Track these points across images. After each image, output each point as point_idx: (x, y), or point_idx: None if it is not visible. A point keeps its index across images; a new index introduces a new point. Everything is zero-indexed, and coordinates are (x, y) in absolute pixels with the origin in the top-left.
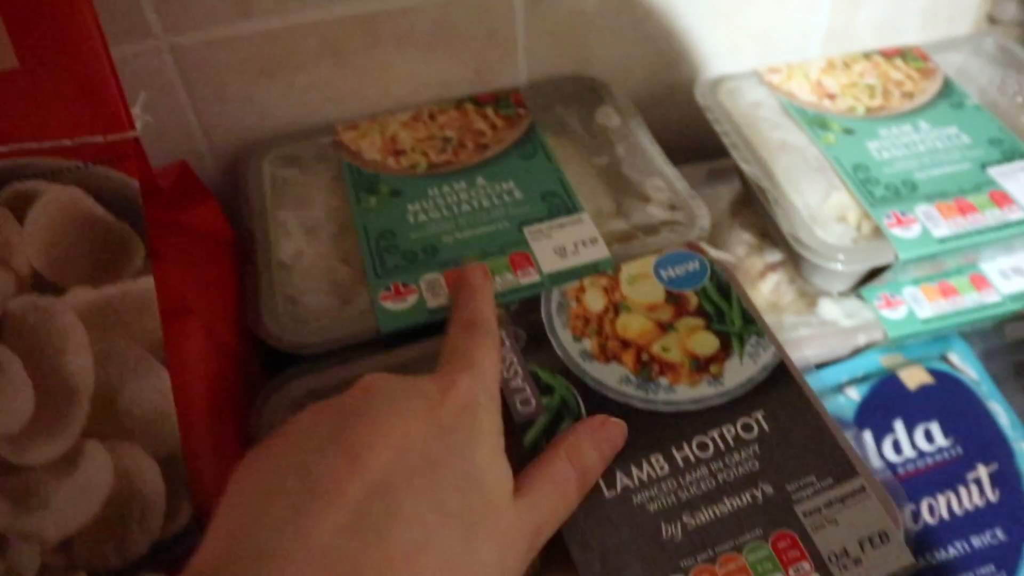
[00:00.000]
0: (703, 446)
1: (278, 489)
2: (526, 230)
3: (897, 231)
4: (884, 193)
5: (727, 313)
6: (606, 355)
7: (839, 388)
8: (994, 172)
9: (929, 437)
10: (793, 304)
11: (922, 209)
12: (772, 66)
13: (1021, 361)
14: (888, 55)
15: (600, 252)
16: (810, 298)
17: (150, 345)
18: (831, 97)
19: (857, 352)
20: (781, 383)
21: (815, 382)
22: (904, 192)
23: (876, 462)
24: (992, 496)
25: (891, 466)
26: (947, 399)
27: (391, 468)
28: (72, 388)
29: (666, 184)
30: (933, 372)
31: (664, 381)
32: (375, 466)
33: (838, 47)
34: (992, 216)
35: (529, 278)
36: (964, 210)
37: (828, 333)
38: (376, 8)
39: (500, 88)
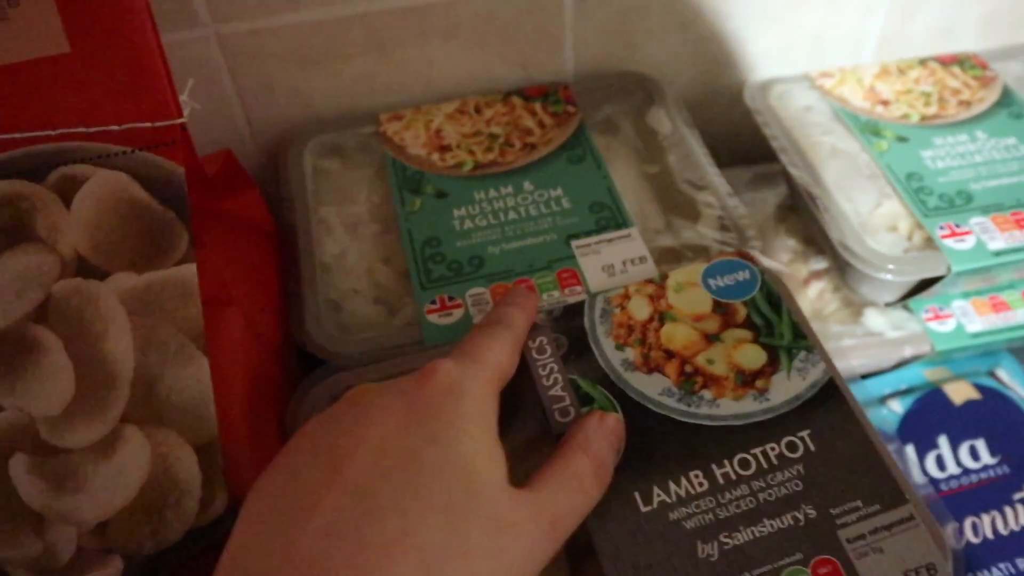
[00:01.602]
0: (745, 463)
1: (268, 510)
2: (574, 244)
3: (950, 243)
4: (938, 203)
5: (776, 326)
6: (649, 366)
7: (882, 400)
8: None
9: (975, 454)
10: (837, 313)
11: (977, 221)
12: (824, 70)
13: None
14: (945, 62)
15: (649, 271)
16: (855, 308)
17: (191, 333)
18: (884, 103)
19: (902, 364)
20: (830, 402)
21: (858, 393)
22: (959, 203)
23: (919, 478)
24: None
25: (934, 482)
26: (994, 416)
27: (369, 470)
28: (112, 373)
29: (718, 200)
30: (980, 388)
31: (707, 395)
32: (352, 472)
33: (893, 53)
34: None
35: (576, 297)
36: (1021, 224)
37: (873, 344)
38: (423, 1)
39: (551, 83)
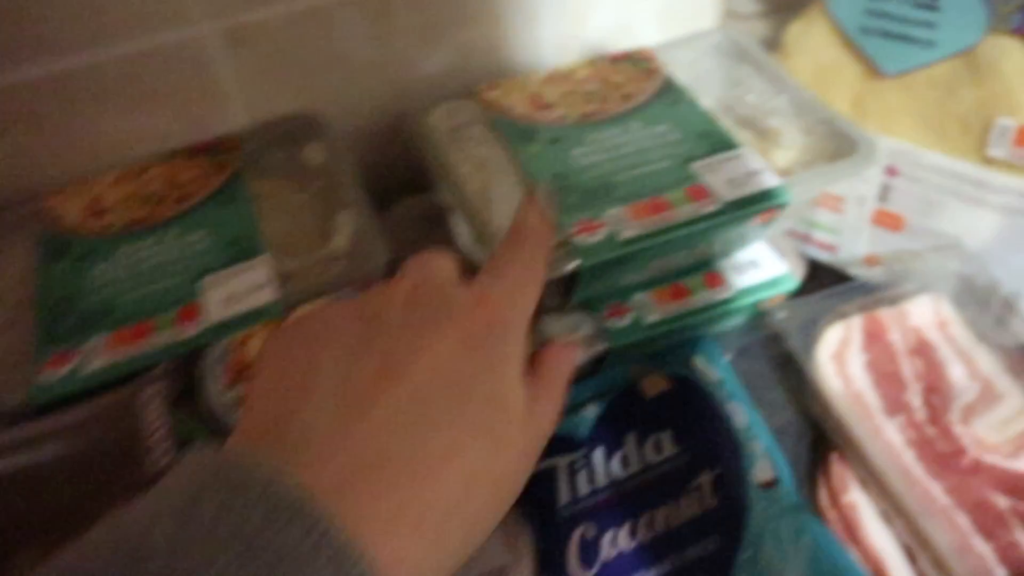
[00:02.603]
0: None
1: (316, 382)
2: (204, 281)
3: (581, 238)
4: (578, 200)
5: None
6: None
7: (581, 406)
8: (696, 167)
9: (659, 447)
10: None
11: (613, 212)
12: (492, 83)
13: (778, 354)
14: (616, 59)
15: (268, 296)
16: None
17: None
18: (546, 108)
19: (601, 363)
20: None
21: None
22: (600, 195)
23: (603, 482)
24: (711, 502)
25: (616, 483)
26: (682, 406)
27: (427, 382)
28: None
29: (355, 218)
30: (673, 378)
31: None
32: (408, 378)
33: (570, 57)
34: (685, 211)
35: (192, 331)
36: (657, 208)
37: None
38: (64, 67)
39: (217, 137)
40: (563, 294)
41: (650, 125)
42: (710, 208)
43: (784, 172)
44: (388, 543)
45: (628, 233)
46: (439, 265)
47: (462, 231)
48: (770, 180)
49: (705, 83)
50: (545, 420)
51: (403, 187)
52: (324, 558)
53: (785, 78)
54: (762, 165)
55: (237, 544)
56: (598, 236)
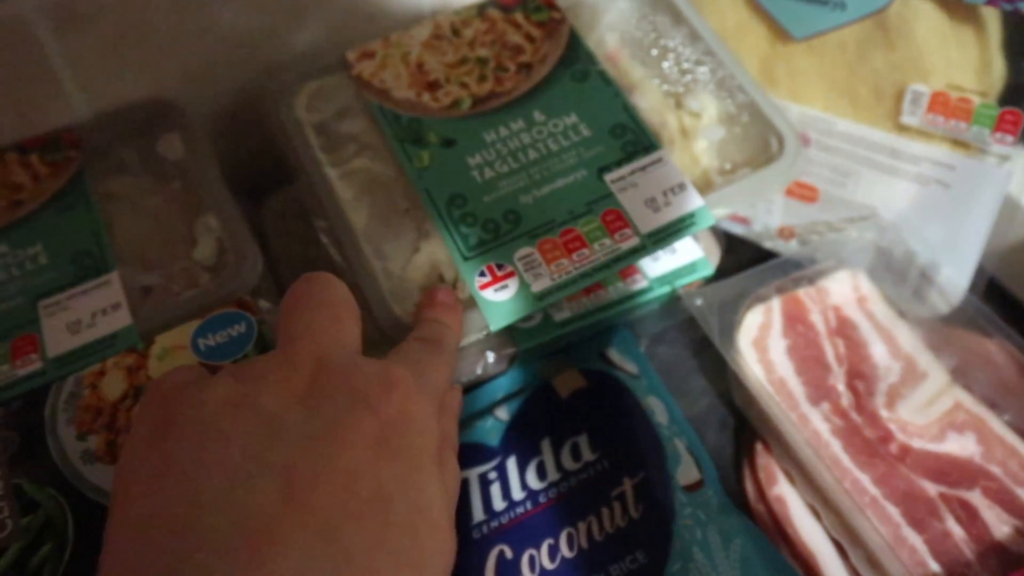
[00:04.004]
0: None
1: (205, 515)
2: (42, 304)
3: (489, 293)
4: (481, 236)
5: None
6: (115, 455)
7: (491, 408)
8: (610, 179)
9: (577, 453)
10: None
11: (521, 254)
12: (364, 47)
13: (695, 339)
14: (506, 5)
15: (122, 320)
16: None
17: None
18: (432, 88)
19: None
20: None
21: (470, 404)
22: (504, 230)
23: (519, 495)
24: (635, 512)
25: (533, 495)
26: (600, 404)
27: (338, 507)
28: None
29: (220, 223)
30: (588, 374)
31: None
32: (317, 504)
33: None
34: (602, 249)
35: (30, 367)
36: (571, 247)
37: None
38: None
39: (55, 129)
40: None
41: (556, 115)
42: (629, 244)
43: (702, 177)
44: None
45: (541, 284)
46: (340, 329)
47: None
48: (692, 201)
49: (616, 34)
50: (455, 487)
51: (274, 177)
52: None
53: (706, 37)
54: (681, 179)
55: None
56: (509, 291)
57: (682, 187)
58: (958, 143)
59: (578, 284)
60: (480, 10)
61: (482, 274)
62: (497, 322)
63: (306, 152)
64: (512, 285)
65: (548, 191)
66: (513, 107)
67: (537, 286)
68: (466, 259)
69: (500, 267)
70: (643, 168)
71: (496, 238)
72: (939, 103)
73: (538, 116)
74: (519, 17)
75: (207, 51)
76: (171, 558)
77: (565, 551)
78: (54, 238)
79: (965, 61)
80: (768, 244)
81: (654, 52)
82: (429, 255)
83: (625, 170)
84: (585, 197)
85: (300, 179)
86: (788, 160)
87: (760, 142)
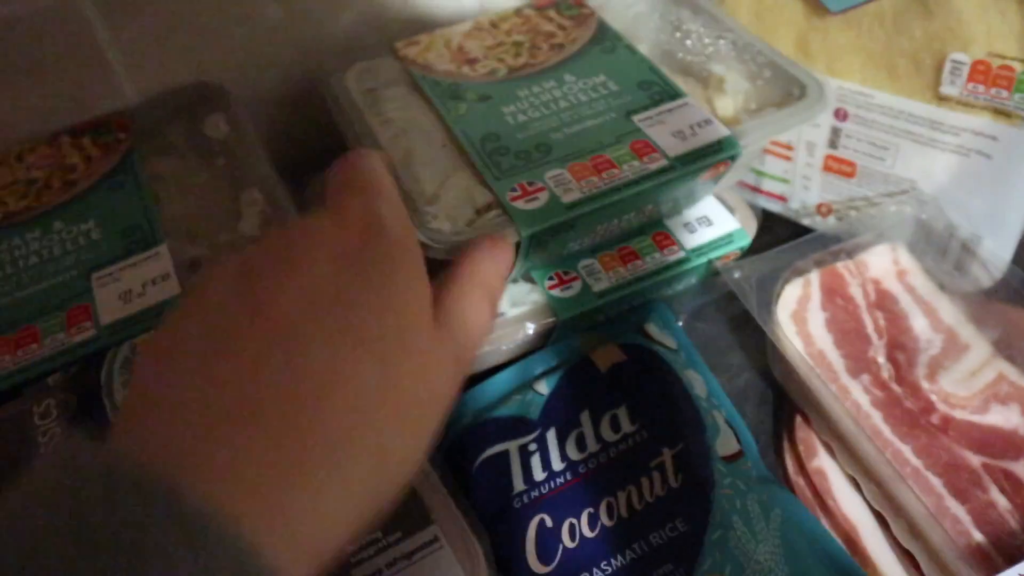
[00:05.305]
0: None
1: (180, 347)
2: (95, 276)
3: (520, 204)
4: (513, 163)
5: None
6: None
7: (531, 383)
8: (639, 120)
9: (616, 425)
10: None
11: (552, 174)
12: (410, 39)
13: (734, 315)
14: (541, 6)
15: (170, 289)
16: None
17: None
18: (472, 62)
19: (551, 338)
20: None
21: (509, 379)
22: (536, 158)
23: (559, 465)
24: (674, 482)
25: (573, 466)
26: (638, 378)
27: (297, 311)
28: None
29: (264, 197)
30: (627, 348)
31: None
32: (279, 315)
33: (496, 5)
34: (631, 170)
35: (84, 334)
36: (600, 168)
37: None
38: None
39: (106, 113)
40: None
41: (586, 76)
42: (657, 165)
43: (731, 121)
44: (255, 499)
45: (571, 196)
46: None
47: None
48: (718, 131)
49: (640, 29)
50: (462, 321)
51: (317, 160)
52: (173, 531)
53: (724, 19)
54: (708, 116)
55: (73, 525)
56: (539, 202)
57: (708, 122)
58: (1000, 112)
59: (608, 197)
60: (517, 11)
61: (513, 189)
62: (528, 228)
63: (352, 109)
64: (543, 197)
65: (578, 129)
66: (547, 73)
67: (568, 197)
68: (498, 179)
69: (531, 184)
70: (669, 111)
71: (527, 164)
72: (980, 72)
73: (568, 78)
74: (552, 13)
75: (250, 37)
76: (163, 376)
77: (605, 520)
78: (105, 215)
79: (1007, 28)
80: (806, 221)
81: (677, 35)
82: (462, 179)
83: (652, 112)
84: (614, 133)
85: (346, 133)
86: (811, 101)
87: (783, 91)
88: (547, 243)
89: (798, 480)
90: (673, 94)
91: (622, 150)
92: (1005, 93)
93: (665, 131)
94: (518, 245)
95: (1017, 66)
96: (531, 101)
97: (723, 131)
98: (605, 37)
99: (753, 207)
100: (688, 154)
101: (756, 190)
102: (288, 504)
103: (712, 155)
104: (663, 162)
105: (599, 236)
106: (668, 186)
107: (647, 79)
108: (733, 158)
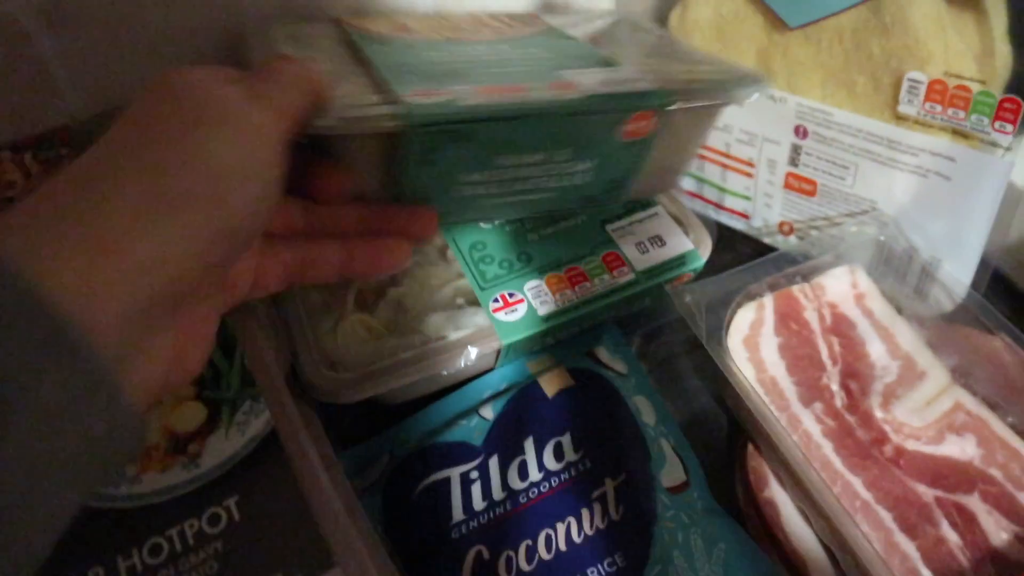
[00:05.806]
0: (156, 550)
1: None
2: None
3: (414, 99)
4: (419, 79)
5: (225, 375)
6: None
7: (477, 407)
8: (565, 72)
9: (559, 453)
10: (394, 322)
11: (459, 88)
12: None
13: (688, 338)
14: (497, 15)
15: None
16: (416, 312)
17: None
18: (408, 31)
19: (493, 364)
20: (268, 458)
21: (454, 404)
22: (447, 78)
23: (499, 495)
24: (615, 514)
25: (513, 495)
26: (585, 404)
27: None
28: None
29: None
30: (576, 372)
31: (130, 470)
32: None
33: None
34: (543, 95)
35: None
36: (515, 89)
37: (432, 352)
38: None
39: (48, 129)
40: (385, 174)
41: (522, 48)
42: (574, 94)
43: None
44: (49, 238)
45: (473, 100)
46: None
47: None
48: (644, 87)
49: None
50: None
51: None
52: None
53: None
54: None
55: None
56: (436, 99)
57: (640, 80)
58: (959, 133)
59: (515, 108)
60: (471, 14)
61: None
62: (417, 117)
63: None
64: (439, 97)
65: (499, 70)
66: (480, 42)
67: (470, 100)
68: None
69: (431, 89)
70: (599, 70)
71: (436, 80)
72: (937, 91)
73: (503, 48)
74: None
75: (198, 49)
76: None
77: (543, 553)
78: None
79: (964, 47)
80: (768, 240)
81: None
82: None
83: (580, 68)
84: (537, 75)
85: None
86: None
87: None
88: (435, 155)
89: (749, 510)
90: (608, 63)
91: (541, 85)
92: (962, 113)
93: (590, 79)
94: (402, 148)
95: (974, 86)
96: (458, 53)
97: (649, 87)
98: (553, 33)
99: (707, 223)
100: (609, 95)
101: (719, 207)
102: (92, 237)
103: (635, 100)
104: (581, 93)
105: (499, 176)
106: (584, 115)
107: (584, 53)
108: (661, 106)
